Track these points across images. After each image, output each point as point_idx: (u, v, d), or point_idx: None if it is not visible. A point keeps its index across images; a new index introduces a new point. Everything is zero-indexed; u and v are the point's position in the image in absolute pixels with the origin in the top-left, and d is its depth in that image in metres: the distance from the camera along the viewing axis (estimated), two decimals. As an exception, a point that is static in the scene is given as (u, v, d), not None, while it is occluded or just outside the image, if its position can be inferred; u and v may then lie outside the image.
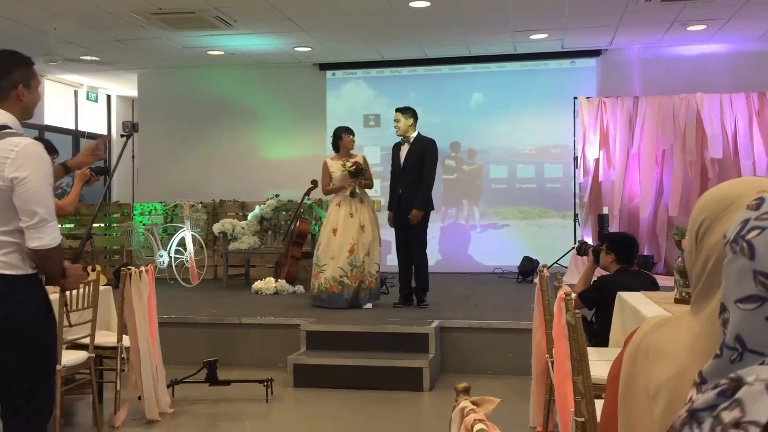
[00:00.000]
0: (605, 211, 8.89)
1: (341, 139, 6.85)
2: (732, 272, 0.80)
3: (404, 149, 6.76)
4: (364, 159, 6.90)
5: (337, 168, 6.74)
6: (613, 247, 4.80)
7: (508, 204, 10.30)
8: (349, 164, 6.68)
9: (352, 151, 6.90)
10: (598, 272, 4.97)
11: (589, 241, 8.12)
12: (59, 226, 2.83)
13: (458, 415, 1.13)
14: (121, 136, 5.03)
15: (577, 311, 2.41)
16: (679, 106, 8.81)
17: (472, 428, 1.04)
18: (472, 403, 1.12)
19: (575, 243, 5.45)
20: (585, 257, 5.26)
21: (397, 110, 6.81)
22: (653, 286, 4.57)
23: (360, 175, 6.68)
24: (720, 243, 0.93)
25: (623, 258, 4.74)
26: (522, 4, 7.76)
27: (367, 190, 6.87)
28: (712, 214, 0.95)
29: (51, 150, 5.10)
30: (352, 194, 6.69)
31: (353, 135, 6.89)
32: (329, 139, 10.66)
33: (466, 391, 1.20)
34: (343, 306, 6.56)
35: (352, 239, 6.61)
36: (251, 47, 9.55)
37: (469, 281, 8.99)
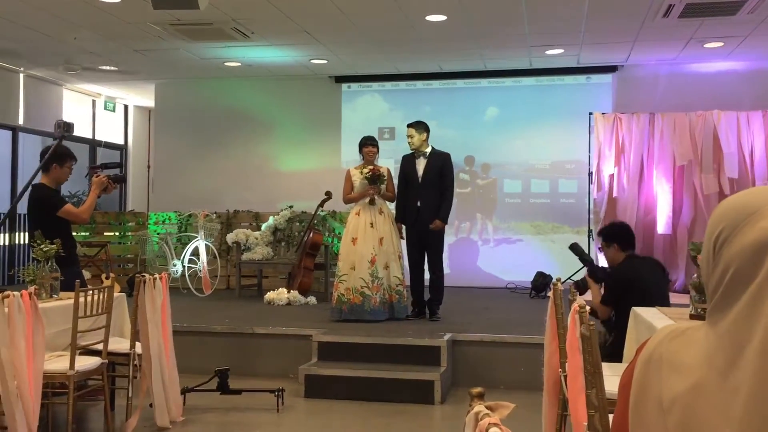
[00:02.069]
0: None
1: (360, 149, 6.86)
2: None
3: (421, 163, 6.76)
4: (389, 171, 6.85)
5: (358, 176, 6.75)
6: (610, 238, 4.85)
7: (521, 219, 10.28)
8: (366, 171, 6.69)
9: (377, 162, 6.88)
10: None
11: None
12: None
13: (472, 419, 1.12)
14: (54, 138, 4.85)
15: (591, 323, 2.39)
16: (696, 123, 8.77)
17: (486, 432, 1.03)
18: (487, 407, 1.11)
19: (588, 257, 5.45)
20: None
21: (410, 126, 6.83)
22: (661, 270, 4.76)
23: (377, 181, 6.66)
24: (741, 253, 0.91)
25: (625, 244, 4.80)
26: (538, 20, 7.77)
27: (388, 203, 6.84)
28: (732, 223, 0.93)
29: (70, 156, 5.16)
30: (371, 202, 6.67)
31: (373, 146, 6.81)
32: (344, 152, 10.84)
33: (481, 396, 1.19)
34: (366, 318, 6.43)
35: (373, 249, 6.54)
36: (268, 59, 9.62)
37: (482, 295, 8.96)
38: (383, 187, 6.73)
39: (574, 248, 5.35)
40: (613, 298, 4.62)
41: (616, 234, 4.86)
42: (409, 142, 6.79)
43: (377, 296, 6.51)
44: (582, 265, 5.30)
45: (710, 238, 0.97)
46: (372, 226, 6.60)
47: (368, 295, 6.49)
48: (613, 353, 4.40)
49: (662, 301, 4.59)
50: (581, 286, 4.92)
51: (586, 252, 5.45)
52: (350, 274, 6.53)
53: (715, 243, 0.95)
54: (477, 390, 1.21)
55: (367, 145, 6.82)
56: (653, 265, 4.85)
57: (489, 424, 1.05)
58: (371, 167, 6.71)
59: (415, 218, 6.70)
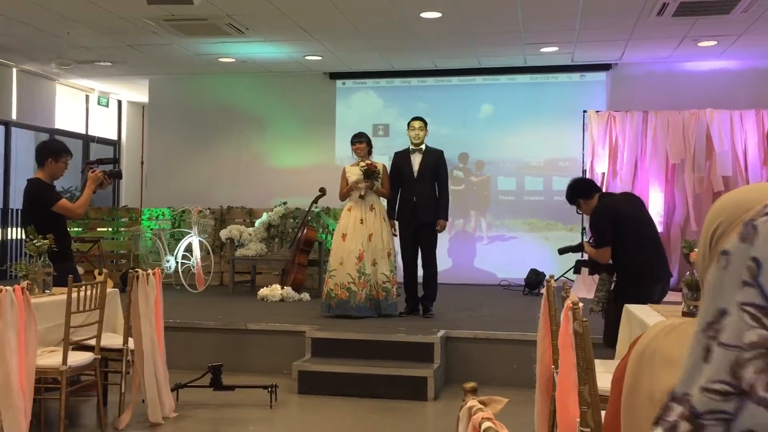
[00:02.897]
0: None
1: (351, 146, 6.88)
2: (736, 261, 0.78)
3: (416, 158, 6.77)
4: (384, 167, 6.85)
5: (353, 173, 6.75)
6: (572, 198, 5.14)
7: (515, 216, 10.29)
8: (362, 164, 6.69)
9: (372, 158, 6.88)
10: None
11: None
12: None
13: (466, 414, 1.13)
14: None
15: (585, 320, 2.40)
16: (689, 122, 8.79)
17: (480, 426, 1.04)
18: (480, 402, 1.12)
19: (575, 244, 5.61)
20: (587, 272, 5.37)
21: (420, 119, 6.85)
22: (636, 198, 5.09)
23: (372, 176, 6.67)
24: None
25: (586, 193, 5.05)
26: (533, 17, 7.78)
27: (382, 200, 6.84)
28: (728, 218, 0.93)
29: (65, 151, 5.14)
30: (361, 196, 6.67)
31: (360, 143, 6.79)
32: (338, 148, 10.83)
33: (474, 391, 1.20)
34: (352, 314, 6.45)
35: (361, 246, 6.56)
36: (262, 55, 9.60)
37: (476, 293, 8.97)
38: (378, 183, 6.73)
39: (562, 250, 5.59)
40: (602, 237, 4.81)
41: (572, 192, 5.15)
42: (415, 135, 6.77)
43: (363, 292, 6.52)
44: (578, 252, 5.41)
45: (707, 232, 0.97)
46: (362, 223, 6.61)
47: (354, 291, 6.50)
48: (617, 297, 4.55)
49: (644, 224, 4.85)
50: (581, 264, 5.13)
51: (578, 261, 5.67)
52: (339, 270, 6.55)
53: (711, 238, 0.95)
54: (470, 385, 1.22)
55: (355, 142, 6.82)
56: (626, 195, 5.25)
57: (482, 418, 1.06)
58: (368, 162, 6.71)
59: (410, 214, 6.71)
